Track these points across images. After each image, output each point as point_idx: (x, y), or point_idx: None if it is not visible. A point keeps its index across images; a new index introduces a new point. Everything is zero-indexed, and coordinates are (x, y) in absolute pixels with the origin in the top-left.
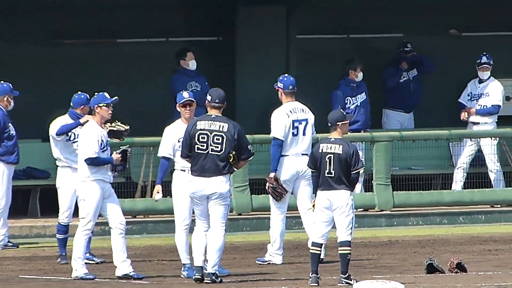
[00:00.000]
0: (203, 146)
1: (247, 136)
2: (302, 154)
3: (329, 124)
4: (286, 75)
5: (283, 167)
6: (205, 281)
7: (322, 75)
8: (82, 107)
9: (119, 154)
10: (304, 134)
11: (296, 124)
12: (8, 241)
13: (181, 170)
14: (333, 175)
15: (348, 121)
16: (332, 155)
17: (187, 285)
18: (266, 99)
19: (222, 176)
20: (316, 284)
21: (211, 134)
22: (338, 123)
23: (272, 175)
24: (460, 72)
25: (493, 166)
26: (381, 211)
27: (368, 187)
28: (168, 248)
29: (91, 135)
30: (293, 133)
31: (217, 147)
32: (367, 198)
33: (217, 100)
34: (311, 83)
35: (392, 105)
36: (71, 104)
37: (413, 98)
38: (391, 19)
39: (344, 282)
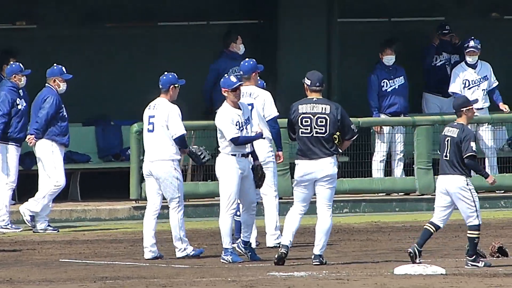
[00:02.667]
0: (307, 129)
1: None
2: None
3: (454, 110)
4: (245, 60)
5: None
6: (313, 263)
7: (363, 59)
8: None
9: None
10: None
11: None
12: (48, 225)
13: (232, 155)
14: (448, 159)
15: (472, 107)
16: (449, 138)
17: (227, 269)
18: None
19: (330, 158)
20: (413, 254)
21: (314, 116)
22: (462, 109)
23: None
24: (502, 56)
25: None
26: (422, 195)
27: (409, 171)
28: (208, 232)
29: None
30: None
31: (321, 129)
32: (408, 182)
33: (317, 84)
34: (352, 67)
35: (431, 89)
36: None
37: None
38: (433, 3)
39: (470, 265)
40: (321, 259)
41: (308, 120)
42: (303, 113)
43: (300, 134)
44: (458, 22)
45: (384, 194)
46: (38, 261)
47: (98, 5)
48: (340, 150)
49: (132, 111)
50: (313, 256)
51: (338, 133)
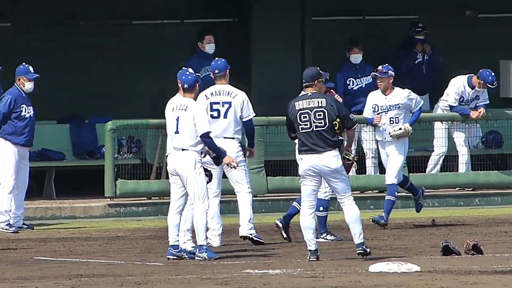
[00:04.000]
0: (307, 124)
1: (262, 118)
2: (225, 138)
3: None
4: (216, 58)
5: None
6: (357, 251)
7: (336, 58)
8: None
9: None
10: (225, 117)
11: (216, 106)
12: (23, 223)
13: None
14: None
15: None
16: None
17: (202, 266)
18: (281, 82)
19: (333, 151)
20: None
21: (311, 111)
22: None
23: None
24: (475, 54)
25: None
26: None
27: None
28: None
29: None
30: (211, 115)
31: (321, 123)
32: (383, 179)
33: (309, 79)
34: (326, 66)
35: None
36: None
37: (426, 80)
38: (406, 1)
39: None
40: (364, 247)
41: (307, 115)
42: (301, 109)
43: (301, 130)
44: (432, 20)
45: (359, 191)
46: (13, 259)
47: (72, 3)
48: (342, 138)
49: (107, 109)
50: (356, 246)
51: (338, 119)
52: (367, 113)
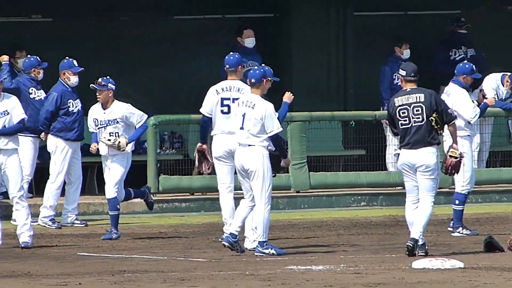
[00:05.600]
0: (406, 120)
1: (304, 113)
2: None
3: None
4: (230, 53)
5: (215, 145)
6: (418, 253)
7: (377, 52)
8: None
9: None
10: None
11: (226, 102)
12: (76, 219)
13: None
14: None
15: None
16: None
17: (245, 263)
18: (323, 76)
19: (430, 147)
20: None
21: (410, 107)
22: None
23: (198, 145)
24: None
25: None
26: (440, 188)
27: None
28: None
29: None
30: (222, 110)
31: (418, 118)
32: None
33: (412, 74)
34: (366, 61)
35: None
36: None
37: None
38: None
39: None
40: (425, 248)
41: (405, 111)
42: (400, 105)
43: (400, 126)
44: (474, 15)
45: (401, 187)
46: (56, 255)
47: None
48: (441, 133)
49: (149, 105)
50: (418, 246)
51: (434, 114)
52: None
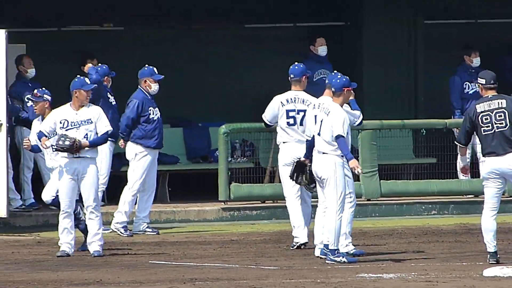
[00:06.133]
0: (489, 126)
1: (375, 121)
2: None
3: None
4: (295, 63)
5: (282, 153)
6: (489, 261)
7: (448, 61)
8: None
9: None
10: (301, 124)
11: (292, 114)
12: (148, 227)
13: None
14: None
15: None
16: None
17: (316, 271)
18: (394, 85)
19: None
20: None
21: (492, 113)
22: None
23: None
24: None
25: None
26: (511, 196)
27: None
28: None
29: None
30: (288, 122)
31: (502, 123)
32: None
33: (491, 81)
34: (436, 68)
35: None
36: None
37: None
38: None
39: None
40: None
41: (488, 117)
42: (482, 112)
43: (483, 133)
44: None
45: (472, 196)
46: (128, 263)
47: (184, 6)
48: None
49: (220, 113)
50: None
51: None
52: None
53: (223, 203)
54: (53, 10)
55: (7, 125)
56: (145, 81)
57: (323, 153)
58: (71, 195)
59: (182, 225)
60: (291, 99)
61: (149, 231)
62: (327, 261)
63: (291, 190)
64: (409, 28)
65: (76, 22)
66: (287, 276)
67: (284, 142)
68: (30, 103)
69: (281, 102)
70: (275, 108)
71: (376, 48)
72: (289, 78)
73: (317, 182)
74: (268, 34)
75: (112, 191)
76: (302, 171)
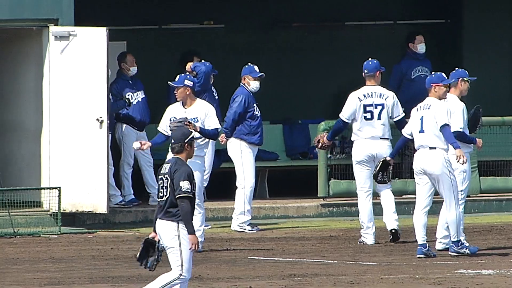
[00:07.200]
0: None
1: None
2: (381, 138)
3: None
4: (369, 59)
5: (357, 149)
6: None
7: None
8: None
9: None
10: (379, 118)
11: (369, 108)
12: (249, 223)
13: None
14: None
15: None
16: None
17: (415, 266)
18: (494, 82)
19: None
20: None
21: None
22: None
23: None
24: None
25: None
26: None
27: None
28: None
29: None
30: (365, 117)
31: None
32: None
33: None
34: None
35: None
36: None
37: None
38: None
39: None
40: None
41: None
42: None
43: None
44: None
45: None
46: (227, 258)
47: (283, 7)
48: None
49: (318, 110)
50: None
51: None
52: None
53: (322, 199)
54: (154, 8)
55: (108, 121)
56: (245, 78)
57: (430, 148)
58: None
59: (281, 221)
60: (368, 93)
61: (249, 229)
62: (450, 253)
63: (362, 188)
64: (510, 25)
65: (177, 20)
66: (385, 272)
67: (357, 139)
68: (131, 100)
69: (358, 98)
70: (353, 104)
71: (476, 46)
72: (363, 73)
73: (417, 177)
74: (368, 32)
75: (213, 188)
76: (386, 170)
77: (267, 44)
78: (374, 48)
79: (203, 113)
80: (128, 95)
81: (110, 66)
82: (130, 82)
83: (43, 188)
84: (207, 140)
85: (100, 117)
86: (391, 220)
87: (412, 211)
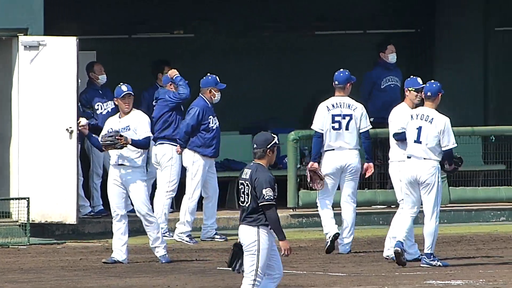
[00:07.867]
0: None
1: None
2: (349, 149)
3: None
4: (340, 70)
5: (325, 161)
6: None
7: None
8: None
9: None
10: (347, 129)
11: (337, 118)
12: (216, 233)
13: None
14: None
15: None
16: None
17: (384, 277)
18: (465, 92)
19: None
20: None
21: None
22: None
23: (310, 164)
24: None
25: None
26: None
27: None
28: (365, 240)
29: None
30: (333, 127)
31: None
32: None
33: None
34: (506, 75)
35: None
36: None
37: None
38: None
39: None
40: None
41: None
42: None
43: None
44: None
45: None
46: (196, 269)
47: (254, 14)
48: None
49: (288, 120)
50: None
51: None
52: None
53: (291, 210)
54: (123, 17)
55: (78, 132)
56: (210, 90)
57: (424, 158)
58: (117, 200)
59: None
60: (337, 103)
61: (217, 238)
62: (421, 265)
63: (326, 197)
64: (480, 35)
65: (147, 29)
66: (355, 282)
67: (326, 151)
68: (100, 110)
69: (327, 107)
70: (322, 114)
71: (447, 55)
72: (334, 84)
73: (408, 186)
74: (338, 41)
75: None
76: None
77: (236, 52)
78: (344, 57)
79: (136, 122)
80: (98, 105)
81: (80, 76)
82: (100, 91)
83: (12, 199)
84: (141, 151)
85: (70, 127)
86: (332, 225)
87: (382, 222)
